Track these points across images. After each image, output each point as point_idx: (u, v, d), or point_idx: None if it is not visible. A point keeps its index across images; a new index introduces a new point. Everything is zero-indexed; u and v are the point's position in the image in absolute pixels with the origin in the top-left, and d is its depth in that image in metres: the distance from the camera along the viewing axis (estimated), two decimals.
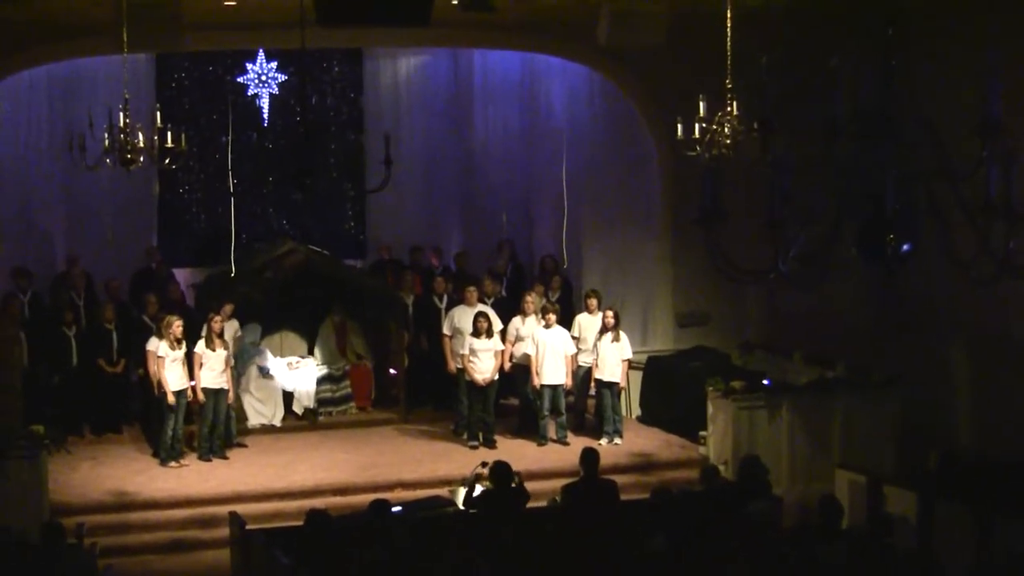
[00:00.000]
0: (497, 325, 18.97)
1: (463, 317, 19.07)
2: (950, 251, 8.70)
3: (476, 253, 22.64)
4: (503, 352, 18.88)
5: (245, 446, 18.72)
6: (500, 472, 13.77)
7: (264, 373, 19.83)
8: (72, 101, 20.84)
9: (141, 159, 16.37)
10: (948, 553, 12.78)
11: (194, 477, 17.41)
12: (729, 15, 15.41)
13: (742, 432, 17.70)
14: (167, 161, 16.72)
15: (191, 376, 17.92)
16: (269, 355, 20.24)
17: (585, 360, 19.14)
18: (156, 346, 17.77)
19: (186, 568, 15.49)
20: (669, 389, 19.79)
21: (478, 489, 14.53)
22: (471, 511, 14.13)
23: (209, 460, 18.01)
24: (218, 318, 18.09)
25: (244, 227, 22.16)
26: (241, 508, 15.38)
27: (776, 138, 9.22)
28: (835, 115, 8.68)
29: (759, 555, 11.68)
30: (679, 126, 15.62)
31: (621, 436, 18.85)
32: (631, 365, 19.20)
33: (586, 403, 19.77)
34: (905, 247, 8.63)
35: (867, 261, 8.83)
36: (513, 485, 13.91)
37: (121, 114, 16.03)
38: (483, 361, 18.64)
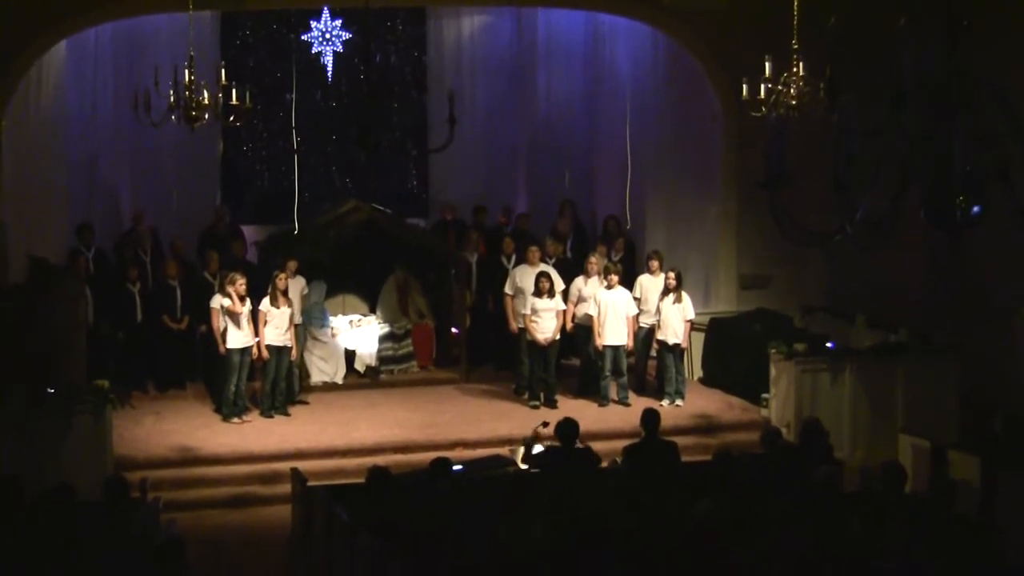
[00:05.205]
0: (559, 285, 18.94)
1: (525, 277, 19.04)
2: (1018, 216, 8.59)
3: (538, 213, 22.57)
4: (565, 312, 18.86)
5: (307, 403, 18.83)
6: (567, 430, 13.73)
7: (324, 332, 19.87)
8: (138, 59, 20.91)
9: (206, 116, 16.42)
10: (1011, 519, 12.69)
11: (256, 433, 17.52)
12: None
13: (804, 395, 17.63)
14: (231, 119, 16.76)
15: (255, 333, 18.03)
16: (328, 314, 20.26)
17: (647, 321, 19.09)
18: (219, 303, 17.88)
19: (247, 523, 15.60)
20: (731, 351, 19.73)
21: (536, 448, 14.52)
22: (531, 469, 14.12)
23: (271, 417, 18.11)
24: (283, 275, 18.14)
25: (307, 185, 22.22)
26: (302, 465, 15.43)
27: (842, 100, 9.11)
28: (902, 77, 8.57)
29: (821, 520, 11.60)
30: (744, 86, 15.53)
31: (683, 397, 18.83)
32: (693, 326, 19.15)
33: (647, 364, 19.74)
34: (975, 210, 8.51)
35: (934, 225, 8.73)
36: (578, 446, 13.88)
37: (186, 72, 16.07)
38: (545, 321, 18.62)
